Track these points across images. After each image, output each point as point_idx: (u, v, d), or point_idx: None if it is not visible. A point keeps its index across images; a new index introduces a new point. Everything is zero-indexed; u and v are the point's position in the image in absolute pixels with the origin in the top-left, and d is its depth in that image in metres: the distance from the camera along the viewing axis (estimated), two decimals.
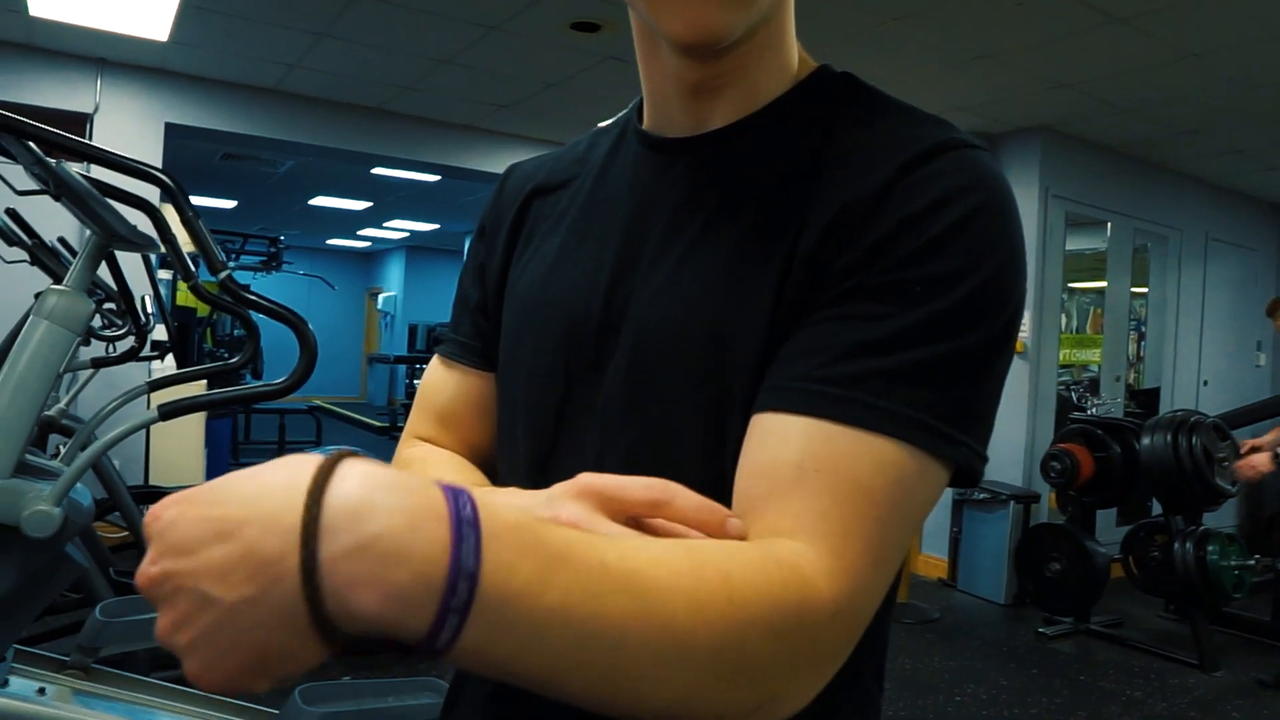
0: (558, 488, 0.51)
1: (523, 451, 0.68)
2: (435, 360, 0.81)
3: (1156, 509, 4.37)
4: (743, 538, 0.49)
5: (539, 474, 0.65)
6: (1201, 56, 3.82)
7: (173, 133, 4.96)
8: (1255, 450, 3.81)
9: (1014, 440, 5.17)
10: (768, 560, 0.46)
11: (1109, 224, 5.61)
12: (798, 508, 0.49)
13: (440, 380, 0.79)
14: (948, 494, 5.22)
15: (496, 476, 0.74)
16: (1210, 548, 3.86)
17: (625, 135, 0.73)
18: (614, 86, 4.77)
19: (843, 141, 0.59)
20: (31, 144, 1.65)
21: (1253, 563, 3.99)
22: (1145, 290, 6.14)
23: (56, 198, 1.76)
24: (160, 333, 3.73)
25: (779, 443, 0.51)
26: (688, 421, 0.58)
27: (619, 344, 0.63)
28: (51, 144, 1.62)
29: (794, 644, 0.46)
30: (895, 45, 3.89)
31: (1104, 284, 5.76)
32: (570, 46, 4.15)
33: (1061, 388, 5.51)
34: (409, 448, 0.77)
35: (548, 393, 0.66)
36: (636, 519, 0.49)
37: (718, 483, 0.55)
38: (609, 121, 0.78)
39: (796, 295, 0.56)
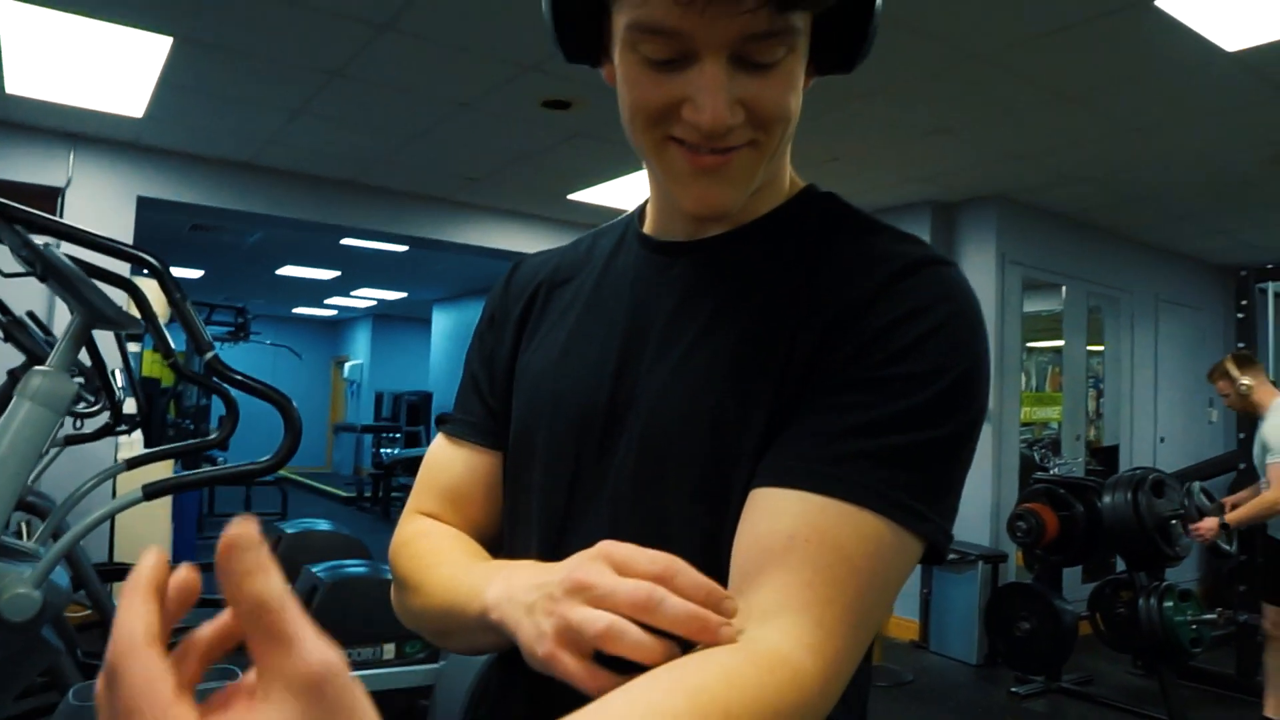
0: (578, 555, 0.55)
1: (535, 530, 0.73)
2: (441, 439, 0.85)
3: (1121, 565, 4.44)
4: (732, 640, 0.52)
5: (551, 552, 0.69)
6: (1143, 131, 4.02)
7: (144, 205, 4.98)
8: (1235, 506, 3.90)
9: (980, 501, 5.25)
10: (760, 670, 0.51)
11: (1064, 287, 5.80)
12: (786, 579, 0.54)
13: (448, 458, 0.83)
14: None
15: (497, 555, 0.78)
16: (1166, 603, 3.93)
17: (626, 237, 0.80)
18: (582, 160, 4.89)
19: (835, 254, 0.67)
20: (18, 227, 1.69)
21: (1212, 616, 4.06)
22: (1102, 348, 6.32)
23: (43, 279, 1.78)
24: (129, 405, 3.71)
25: (773, 515, 0.57)
26: (690, 506, 0.64)
27: (625, 431, 0.68)
28: (40, 227, 1.66)
29: None
30: (858, 121, 4.05)
31: (1061, 343, 5.92)
32: (541, 123, 4.27)
33: (1024, 446, 5.62)
34: (413, 522, 0.80)
35: (560, 476, 0.71)
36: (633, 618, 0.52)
37: (716, 562, 0.60)
38: (609, 224, 0.84)
39: (794, 390, 0.62)
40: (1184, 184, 4.88)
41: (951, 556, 4.99)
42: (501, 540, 0.81)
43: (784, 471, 0.59)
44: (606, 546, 0.54)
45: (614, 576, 0.52)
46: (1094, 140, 4.21)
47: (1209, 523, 3.85)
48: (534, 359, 0.78)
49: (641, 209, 0.80)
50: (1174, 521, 4.02)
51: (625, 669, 0.50)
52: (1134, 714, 4.08)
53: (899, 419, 0.59)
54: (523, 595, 0.58)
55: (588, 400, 0.71)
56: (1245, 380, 3.78)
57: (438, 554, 0.74)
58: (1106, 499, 4.19)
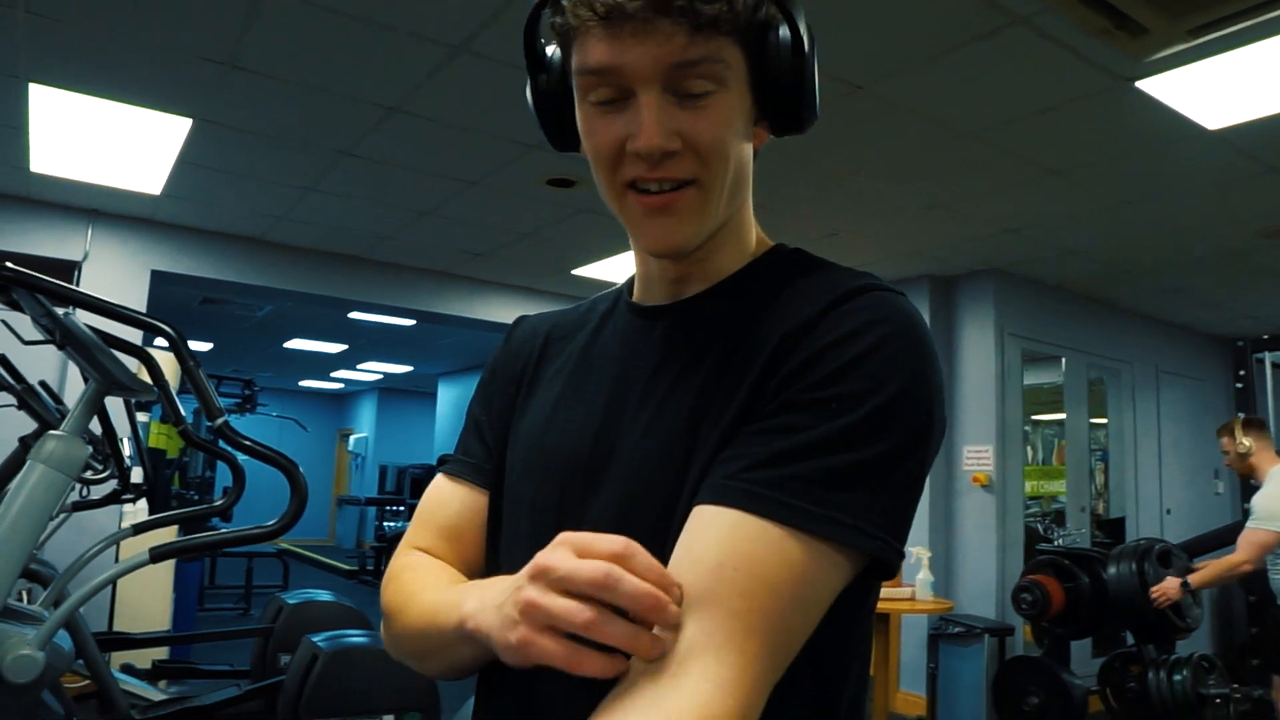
0: (541, 551, 0.59)
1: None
2: (440, 478, 0.89)
3: (1131, 638, 4.39)
4: (663, 650, 0.56)
5: None
6: (1132, 206, 4.12)
7: (157, 279, 5.10)
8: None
9: (985, 573, 5.21)
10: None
11: (1063, 359, 5.85)
12: (713, 609, 0.58)
13: (446, 496, 0.87)
14: (922, 630, 5.21)
15: None
16: (1179, 675, 3.87)
17: (618, 304, 0.86)
18: (585, 236, 5.01)
19: (787, 294, 0.72)
20: (40, 296, 1.76)
21: (1231, 690, 3.99)
22: (1105, 421, 6.34)
23: (61, 346, 1.84)
24: (136, 474, 3.75)
25: (706, 536, 0.61)
26: (665, 545, 0.67)
27: (605, 481, 0.73)
28: (62, 297, 1.73)
29: None
30: (852, 197, 4.17)
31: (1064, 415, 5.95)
32: (545, 200, 4.39)
33: (1032, 519, 5.60)
34: (406, 555, 0.84)
35: (544, 522, 0.76)
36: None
37: None
38: (607, 291, 0.92)
39: (743, 420, 0.67)
40: (1175, 257, 4.97)
41: (958, 630, 4.94)
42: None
43: (718, 490, 0.62)
44: (566, 535, 0.58)
45: (574, 559, 0.55)
46: (1084, 215, 4.31)
47: (1170, 583, 3.82)
48: (529, 414, 0.84)
49: (632, 278, 0.86)
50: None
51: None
52: None
53: (834, 438, 0.61)
54: (496, 599, 0.61)
55: (572, 454, 0.76)
56: (1246, 441, 3.83)
57: (423, 582, 0.78)
58: (1112, 570, 4.16)
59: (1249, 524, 3.62)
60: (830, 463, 0.61)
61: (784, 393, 0.65)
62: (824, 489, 0.61)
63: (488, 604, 0.62)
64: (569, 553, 0.56)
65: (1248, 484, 4.09)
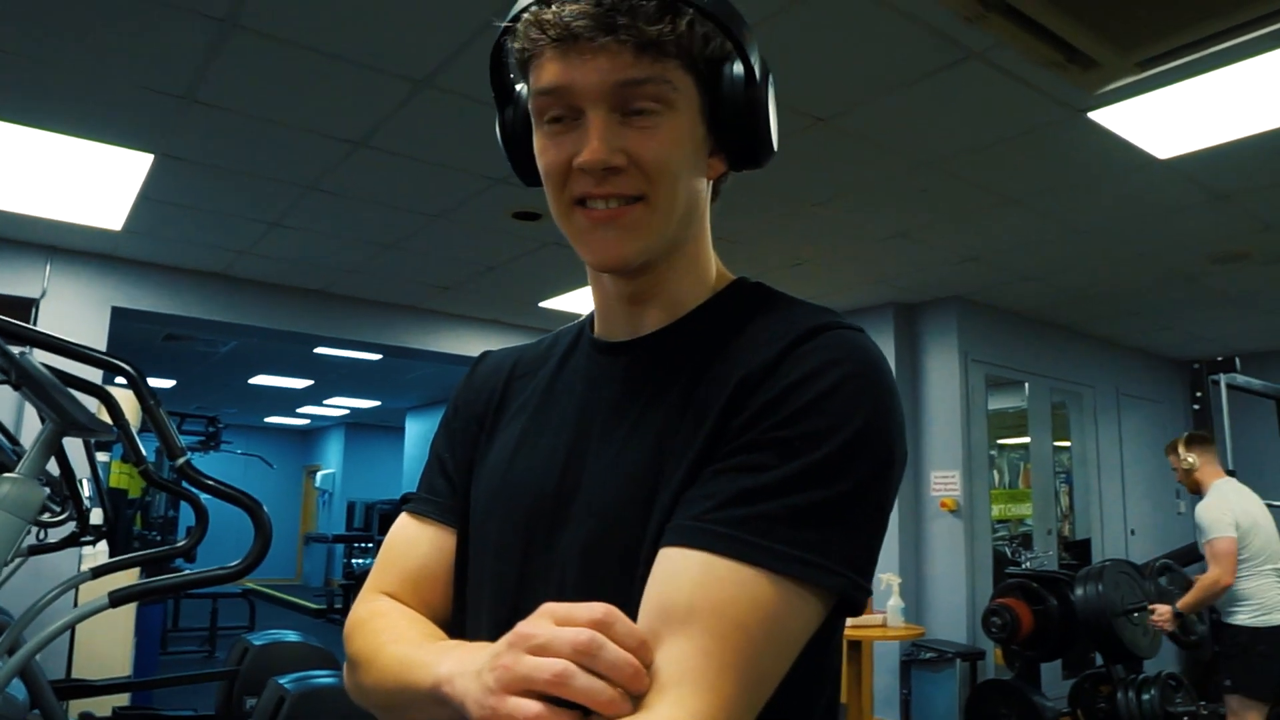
0: (522, 622, 0.58)
1: (486, 614, 0.77)
2: (405, 518, 0.87)
3: (1100, 659, 4.42)
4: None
5: (502, 632, 0.73)
6: (1088, 232, 4.22)
7: (118, 315, 5.02)
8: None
9: (954, 598, 5.24)
10: None
11: (1026, 384, 5.93)
12: (685, 648, 0.58)
13: (412, 537, 0.85)
14: (894, 656, 5.22)
15: (452, 636, 0.81)
16: (1147, 694, 3.91)
17: (580, 339, 0.86)
18: (552, 268, 5.02)
19: (748, 332, 0.73)
20: None
21: (1198, 708, 4.03)
22: (1070, 444, 6.42)
23: (17, 387, 1.81)
24: (96, 515, 3.67)
25: (675, 579, 0.61)
26: (630, 582, 0.68)
27: (570, 518, 0.73)
28: (17, 336, 1.70)
29: None
30: (815, 227, 4.22)
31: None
32: (511, 233, 4.40)
33: (1000, 542, 5.64)
34: (373, 600, 0.82)
35: (510, 563, 0.76)
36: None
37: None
38: (569, 325, 0.92)
39: (707, 459, 0.67)
40: (1130, 282, 5.08)
41: (929, 655, 4.96)
42: (455, 623, 0.83)
43: (687, 532, 0.63)
44: (548, 606, 0.58)
45: (554, 627, 0.55)
46: (1040, 242, 4.40)
47: (1163, 610, 3.88)
48: (493, 452, 0.83)
49: (593, 313, 0.87)
50: (1136, 614, 4.04)
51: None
52: None
53: (798, 478, 0.62)
54: (474, 665, 0.60)
55: (536, 492, 0.76)
56: (1190, 458, 3.91)
57: (393, 632, 0.76)
58: (1079, 591, 4.20)
59: (1205, 539, 3.68)
60: (795, 501, 0.62)
61: (747, 433, 0.65)
62: (790, 528, 0.61)
63: (466, 669, 0.61)
64: (549, 622, 0.56)
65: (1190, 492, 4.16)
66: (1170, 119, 3.03)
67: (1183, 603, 3.80)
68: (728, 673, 0.58)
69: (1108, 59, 2.60)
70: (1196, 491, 3.95)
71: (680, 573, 0.61)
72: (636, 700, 0.56)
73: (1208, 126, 3.09)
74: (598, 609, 0.56)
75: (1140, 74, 2.69)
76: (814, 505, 0.62)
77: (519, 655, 0.55)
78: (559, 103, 0.70)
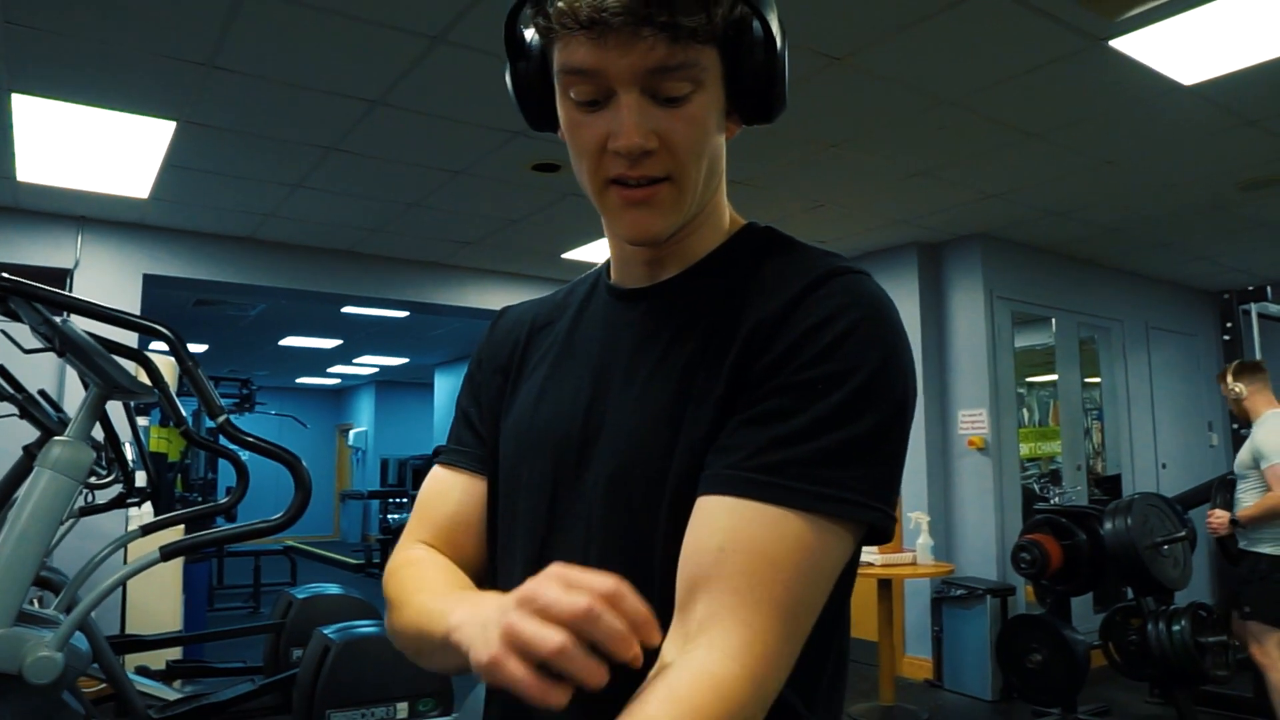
0: (531, 579, 0.58)
1: (519, 551, 0.81)
2: (438, 469, 0.92)
3: (1131, 593, 4.45)
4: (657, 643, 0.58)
5: (533, 569, 0.77)
6: (1114, 163, 4.15)
7: (150, 283, 5.11)
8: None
9: (984, 536, 5.27)
10: (691, 686, 0.59)
11: (1053, 320, 5.89)
12: (718, 589, 0.63)
13: (445, 486, 0.90)
14: (925, 595, 5.28)
15: (484, 583, 0.86)
16: (1177, 625, 3.94)
17: (597, 286, 0.90)
18: (572, 219, 5.03)
19: (759, 276, 0.76)
20: (39, 305, 1.79)
21: (1228, 639, 4.06)
22: (1099, 380, 6.39)
23: (61, 353, 1.87)
24: (140, 478, 3.78)
25: (708, 525, 0.66)
26: (655, 514, 0.72)
27: (595, 456, 0.77)
28: (60, 304, 1.76)
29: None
30: (834, 169, 4.19)
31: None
32: (532, 186, 4.41)
33: (1030, 480, 5.65)
34: (408, 549, 0.87)
35: (540, 501, 0.80)
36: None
37: (674, 567, 0.68)
38: (583, 275, 0.95)
39: (729, 400, 0.71)
40: (1159, 213, 5.00)
41: (960, 592, 5.01)
42: (489, 567, 0.88)
43: (720, 480, 0.67)
44: (557, 567, 0.57)
45: (560, 591, 0.54)
46: (1064, 175, 4.34)
47: (1220, 514, 3.92)
48: (518, 399, 0.87)
49: (608, 261, 0.90)
50: (1165, 546, 4.06)
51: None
52: None
53: (824, 419, 0.66)
54: (482, 617, 0.62)
55: (562, 433, 0.80)
56: (1238, 387, 3.93)
57: (421, 580, 0.81)
58: (1108, 525, 4.22)
59: (1267, 464, 3.69)
60: (824, 443, 0.66)
61: (770, 379, 0.68)
62: (821, 468, 0.65)
63: (474, 619, 0.62)
64: (557, 584, 0.55)
65: (1240, 434, 4.14)
66: (1194, 44, 2.96)
67: (1243, 513, 3.84)
68: (762, 606, 0.62)
69: None
70: (1246, 420, 3.96)
71: (714, 518, 0.65)
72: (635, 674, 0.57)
73: (1233, 50, 3.02)
74: (608, 581, 0.55)
75: None
76: (841, 444, 0.66)
77: (524, 616, 0.54)
78: (590, 83, 0.70)
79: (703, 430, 0.71)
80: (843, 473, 0.65)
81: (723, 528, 0.65)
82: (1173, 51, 3.01)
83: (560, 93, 0.74)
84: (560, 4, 0.67)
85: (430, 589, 0.79)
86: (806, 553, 0.64)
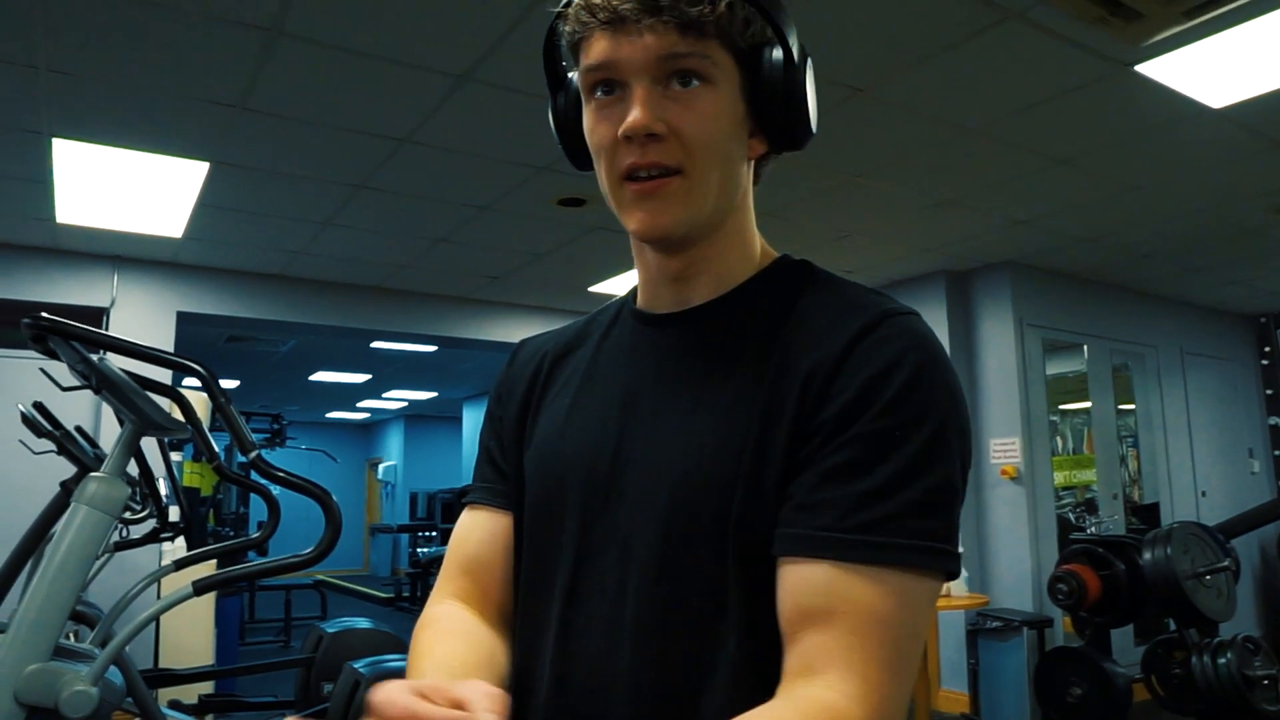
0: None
1: (552, 582, 0.79)
2: (464, 513, 0.92)
3: (1173, 625, 4.35)
4: None
5: (566, 598, 0.77)
6: (1143, 188, 4.12)
7: (183, 320, 5.20)
8: None
9: (1019, 566, 5.18)
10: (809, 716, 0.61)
11: (1085, 347, 5.82)
12: (828, 642, 0.63)
13: (469, 527, 0.90)
14: (960, 627, 5.19)
15: (517, 611, 0.84)
16: (1223, 658, 3.84)
17: (622, 313, 0.89)
18: (599, 253, 5.07)
19: (802, 314, 0.76)
20: (76, 344, 1.82)
21: (1275, 672, 3.95)
22: (1134, 406, 6.29)
23: (98, 391, 1.90)
24: (173, 512, 3.82)
25: (810, 588, 0.66)
26: (719, 550, 0.70)
27: (626, 486, 0.76)
28: (96, 343, 1.79)
29: None
30: (859, 198, 4.19)
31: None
32: (557, 220, 4.45)
33: (1066, 509, 5.56)
34: (435, 605, 0.87)
35: (571, 531, 0.79)
36: None
37: (723, 605, 0.69)
38: (606, 304, 0.94)
39: (775, 446, 0.70)
40: (1191, 237, 4.95)
41: (996, 624, 4.92)
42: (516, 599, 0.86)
43: (815, 543, 0.66)
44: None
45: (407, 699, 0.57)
46: (1094, 202, 4.31)
47: None
48: (540, 428, 0.86)
49: (635, 289, 0.89)
50: (1208, 576, 3.96)
51: None
52: None
53: (904, 472, 0.66)
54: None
55: (589, 460, 0.79)
56: None
57: (428, 647, 0.80)
58: (1147, 555, 4.13)
59: None
60: (910, 495, 0.66)
61: (844, 430, 0.68)
62: (911, 520, 0.66)
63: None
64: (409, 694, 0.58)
65: None
66: (1221, 67, 2.94)
67: None
68: (872, 663, 0.63)
69: (1152, 9, 2.55)
70: None
71: (817, 583, 0.65)
72: None
73: (1261, 73, 2.99)
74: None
75: (1187, 23, 2.64)
76: (923, 495, 0.66)
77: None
78: (605, 76, 0.74)
79: (771, 478, 0.69)
80: (930, 523, 0.66)
81: (829, 592, 0.65)
82: (1200, 75, 3.00)
83: (585, 101, 0.77)
84: (579, 2, 0.74)
85: (424, 666, 0.78)
86: (910, 608, 0.65)
